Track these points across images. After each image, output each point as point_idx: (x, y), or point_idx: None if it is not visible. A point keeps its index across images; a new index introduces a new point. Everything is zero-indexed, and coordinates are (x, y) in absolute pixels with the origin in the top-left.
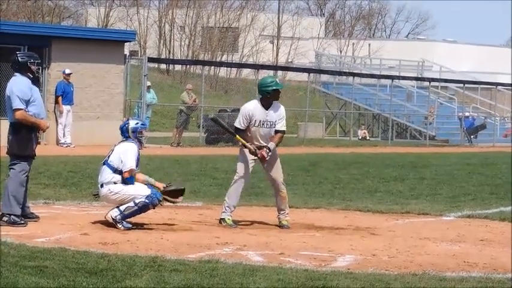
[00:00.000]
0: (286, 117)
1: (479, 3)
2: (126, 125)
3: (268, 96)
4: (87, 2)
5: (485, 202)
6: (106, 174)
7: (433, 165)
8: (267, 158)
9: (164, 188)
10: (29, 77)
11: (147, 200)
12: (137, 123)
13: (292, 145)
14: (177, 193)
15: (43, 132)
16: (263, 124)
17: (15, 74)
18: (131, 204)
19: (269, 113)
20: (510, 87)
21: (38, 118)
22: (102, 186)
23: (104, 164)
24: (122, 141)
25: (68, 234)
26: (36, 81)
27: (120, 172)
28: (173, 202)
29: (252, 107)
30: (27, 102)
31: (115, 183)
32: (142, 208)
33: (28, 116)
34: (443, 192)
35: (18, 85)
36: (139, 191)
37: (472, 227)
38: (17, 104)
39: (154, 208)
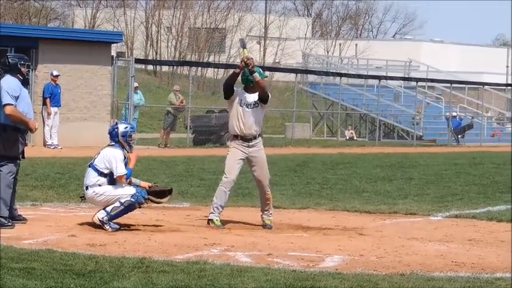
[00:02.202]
0: (274, 118)
1: (465, 3)
2: (116, 129)
3: (252, 85)
4: (74, 3)
5: (472, 202)
6: (91, 177)
7: (420, 165)
8: (251, 63)
9: (150, 187)
10: (18, 79)
11: (132, 199)
12: (126, 127)
13: (279, 146)
14: (163, 194)
15: (32, 133)
16: (247, 106)
17: (5, 75)
18: (117, 204)
19: (251, 96)
20: (505, 88)
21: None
22: (87, 188)
23: (89, 166)
24: (109, 145)
25: (56, 236)
26: (25, 83)
27: (105, 175)
28: (158, 202)
29: (239, 90)
30: (16, 99)
31: (100, 185)
32: (129, 207)
33: (18, 112)
34: (430, 192)
35: (7, 83)
36: (124, 191)
37: (459, 227)
38: (6, 99)
39: (140, 207)
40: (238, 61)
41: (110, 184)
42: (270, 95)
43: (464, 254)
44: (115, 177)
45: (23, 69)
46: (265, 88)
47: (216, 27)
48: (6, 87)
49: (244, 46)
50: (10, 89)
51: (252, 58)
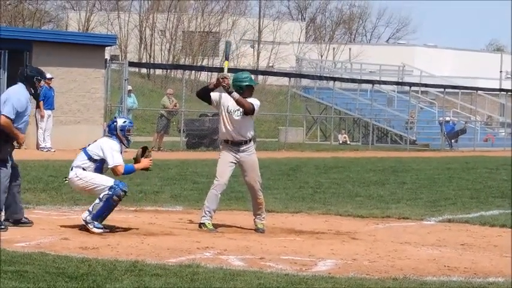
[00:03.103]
0: (267, 122)
1: (459, 8)
2: (115, 123)
3: (241, 92)
4: (68, 6)
5: (465, 206)
6: (79, 159)
7: (413, 169)
8: (227, 84)
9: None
10: (30, 92)
11: (110, 192)
12: (125, 121)
13: (272, 149)
14: (144, 153)
15: (17, 145)
16: (235, 112)
17: (19, 83)
18: (96, 201)
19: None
20: (499, 93)
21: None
22: (72, 169)
23: (82, 149)
24: (106, 136)
25: (48, 239)
26: (36, 97)
27: (94, 160)
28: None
29: (224, 93)
30: (17, 114)
31: (84, 169)
32: (108, 201)
33: (12, 126)
34: (423, 197)
35: (18, 95)
36: (103, 181)
37: (452, 232)
38: (7, 111)
39: (120, 199)
40: (232, 65)
41: (96, 172)
42: (255, 108)
43: (457, 258)
44: (110, 166)
45: (38, 84)
46: (246, 105)
47: (209, 30)
48: (15, 100)
49: (227, 56)
50: (18, 102)
51: (227, 78)
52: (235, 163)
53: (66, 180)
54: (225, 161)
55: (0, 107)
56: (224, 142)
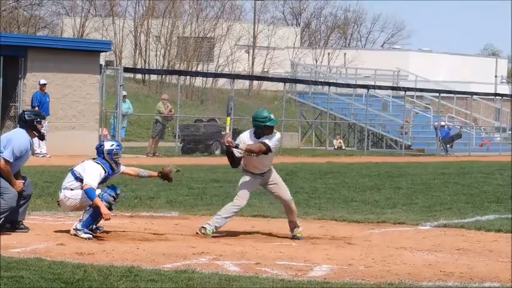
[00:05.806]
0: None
1: (454, 13)
2: (102, 147)
3: (260, 131)
4: (63, 12)
5: (461, 211)
6: (67, 180)
7: (408, 174)
8: (227, 142)
9: (160, 173)
10: (33, 135)
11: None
12: (112, 145)
13: None
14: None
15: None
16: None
17: (20, 128)
18: (87, 208)
19: (261, 140)
20: (494, 97)
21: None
22: (61, 191)
23: (69, 170)
24: (93, 159)
25: (44, 245)
26: (41, 139)
27: (81, 180)
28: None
29: (245, 136)
30: (15, 158)
31: (72, 189)
32: (96, 208)
33: (9, 171)
34: (419, 202)
35: (21, 141)
36: None
37: (448, 237)
38: (7, 154)
39: (110, 205)
40: (227, 70)
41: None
42: (269, 146)
43: (452, 263)
44: (83, 184)
45: (39, 126)
46: (256, 151)
47: (204, 36)
48: (16, 145)
49: (228, 112)
50: (18, 147)
51: (226, 135)
52: (259, 184)
53: (58, 204)
54: (249, 183)
55: (0, 148)
56: (245, 170)
